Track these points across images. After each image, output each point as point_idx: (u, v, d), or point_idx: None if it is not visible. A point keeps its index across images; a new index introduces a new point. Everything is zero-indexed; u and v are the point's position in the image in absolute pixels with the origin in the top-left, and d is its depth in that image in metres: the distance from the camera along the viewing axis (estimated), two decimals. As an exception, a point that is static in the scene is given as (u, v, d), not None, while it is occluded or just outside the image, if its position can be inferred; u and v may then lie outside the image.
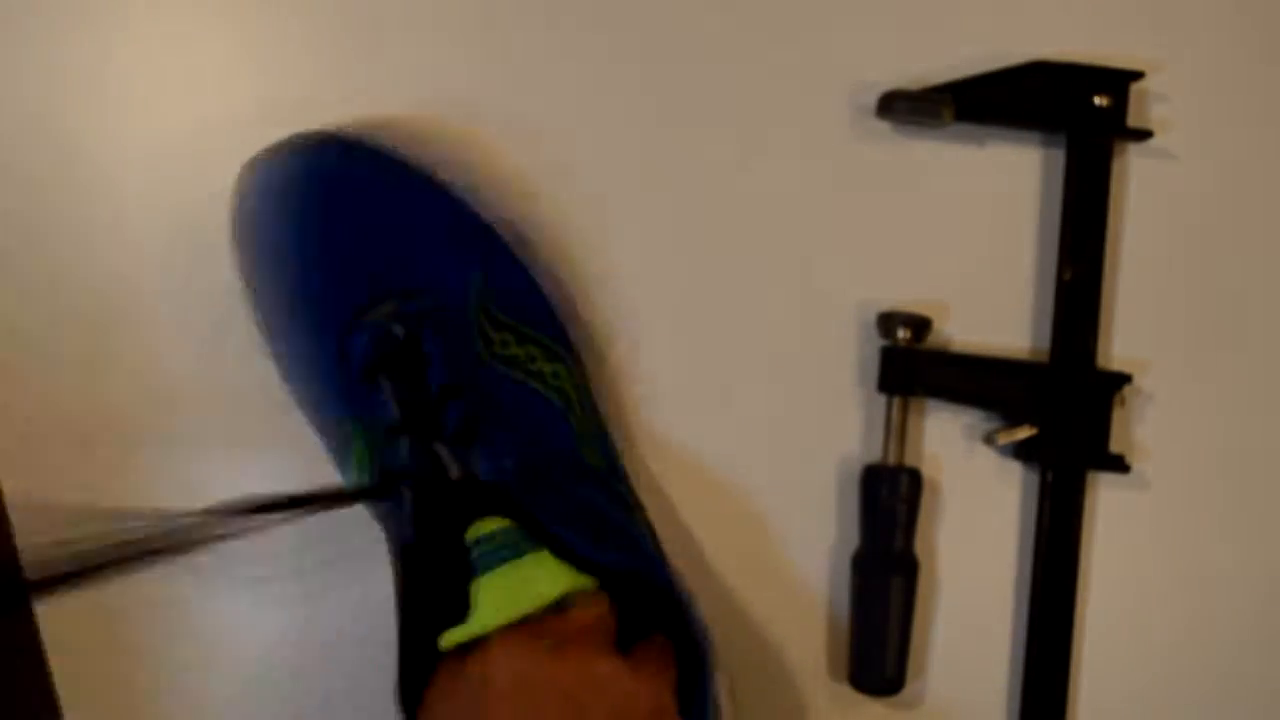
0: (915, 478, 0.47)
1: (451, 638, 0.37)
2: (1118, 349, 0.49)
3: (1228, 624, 0.49)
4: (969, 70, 0.47)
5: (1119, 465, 0.47)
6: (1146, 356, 0.49)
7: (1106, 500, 0.49)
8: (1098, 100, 0.47)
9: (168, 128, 0.47)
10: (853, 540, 0.48)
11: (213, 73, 0.47)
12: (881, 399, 0.48)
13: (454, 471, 0.38)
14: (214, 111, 0.47)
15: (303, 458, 0.44)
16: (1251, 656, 0.49)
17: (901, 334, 0.47)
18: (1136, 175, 0.49)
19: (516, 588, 0.37)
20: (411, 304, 0.40)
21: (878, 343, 0.48)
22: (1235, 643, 0.49)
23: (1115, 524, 0.49)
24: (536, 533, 0.38)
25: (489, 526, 0.38)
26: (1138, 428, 0.49)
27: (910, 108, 0.47)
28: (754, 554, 0.48)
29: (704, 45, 0.48)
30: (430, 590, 0.38)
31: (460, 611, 0.37)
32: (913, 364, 0.47)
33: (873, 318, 0.48)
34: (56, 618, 0.46)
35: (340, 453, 0.41)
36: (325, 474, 0.42)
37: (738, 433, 0.48)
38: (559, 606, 0.38)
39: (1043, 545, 0.48)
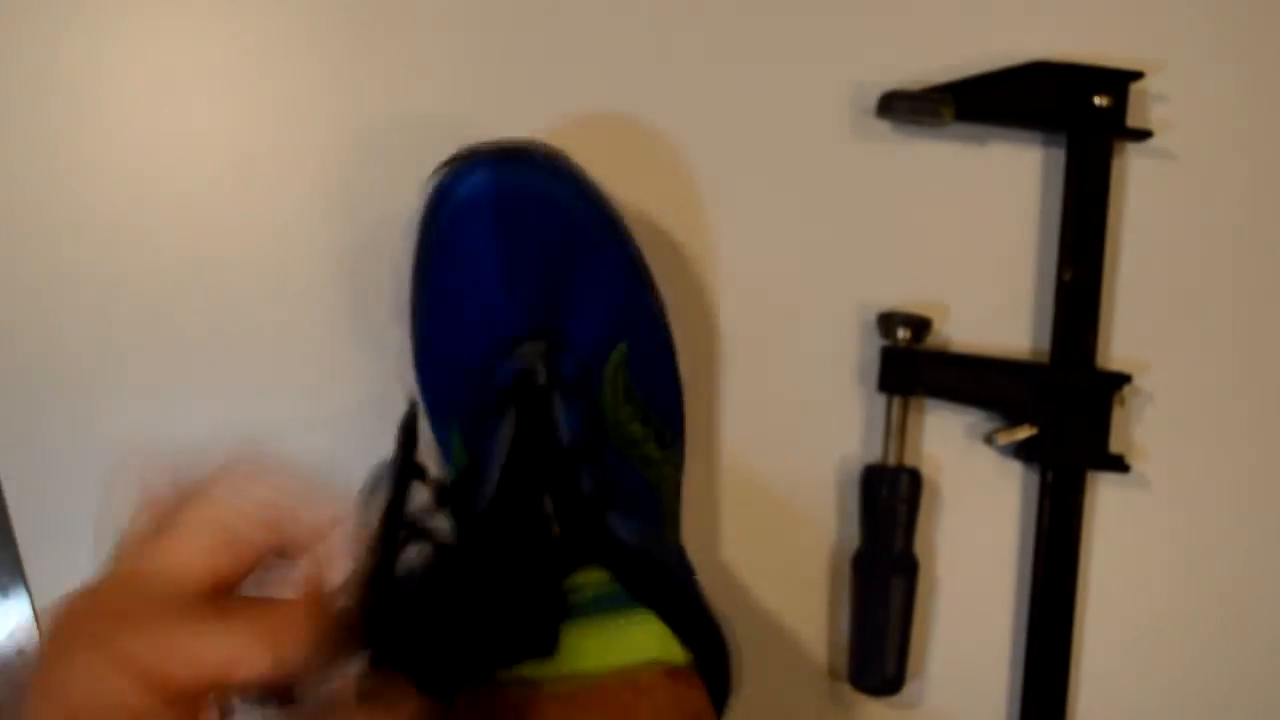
0: (915, 478, 0.47)
1: (539, 671, 0.36)
2: (1118, 349, 0.49)
3: (1227, 623, 0.49)
4: (969, 70, 0.47)
5: (1119, 465, 0.47)
6: (1146, 356, 0.49)
7: (1106, 500, 0.49)
8: (1098, 100, 0.47)
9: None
10: (853, 540, 0.48)
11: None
12: (881, 399, 0.48)
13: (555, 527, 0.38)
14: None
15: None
16: (1251, 656, 0.49)
17: (901, 334, 0.47)
18: (1136, 175, 0.49)
19: (622, 639, 0.36)
20: (559, 354, 0.40)
21: (878, 343, 0.48)
22: (1235, 643, 0.49)
23: (1115, 524, 0.49)
24: (643, 596, 0.37)
25: (593, 577, 0.37)
26: (1138, 428, 0.49)
27: (910, 108, 0.47)
28: (754, 554, 0.48)
29: (704, 46, 0.48)
30: (514, 622, 0.36)
31: (534, 648, 0.36)
32: (913, 364, 0.47)
33: (873, 318, 0.48)
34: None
35: (441, 444, 0.42)
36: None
37: (738, 432, 0.48)
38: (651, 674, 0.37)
39: (1043, 545, 0.48)
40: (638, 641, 0.36)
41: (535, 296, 0.41)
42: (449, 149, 0.41)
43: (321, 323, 0.47)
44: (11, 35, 0.46)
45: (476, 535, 0.37)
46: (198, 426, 0.46)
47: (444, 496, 0.37)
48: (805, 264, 0.48)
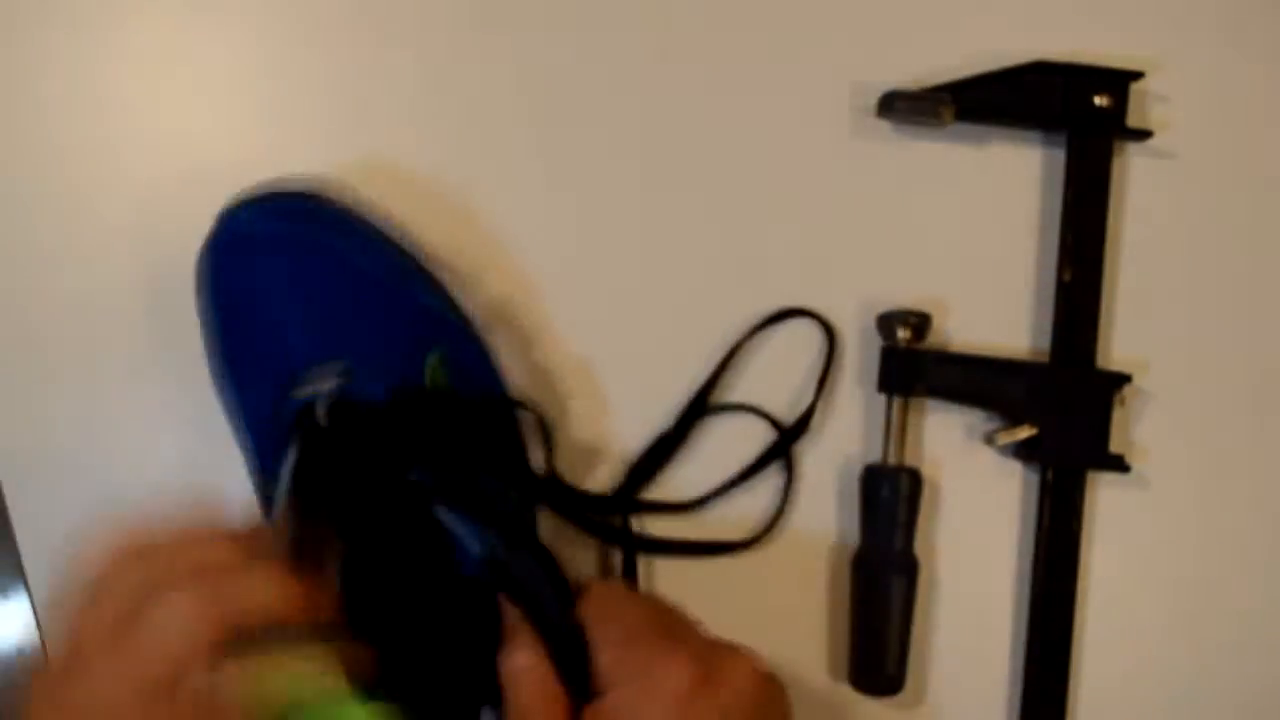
0: (915, 478, 0.47)
1: None
2: (1118, 349, 0.49)
3: (1227, 624, 0.49)
4: (969, 70, 0.47)
5: (1119, 465, 0.47)
6: (1146, 356, 0.49)
7: (1106, 500, 0.49)
8: (1098, 100, 0.47)
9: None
10: (853, 540, 0.48)
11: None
12: (881, 399, 0.48)
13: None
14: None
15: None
16: (1250, 656, 0.49)
17: (901, 334, 0.47)
18: (1136, 175, 0.49)
19: None
20: (359, 375, 0.39)
21: (878, 343, 0.48)
22: (1234, 643, 0.49)
23: (1115, 524, 0.49)
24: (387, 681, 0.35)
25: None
26: (1138, 428, 0.49)
27: (910, 108, 0.47)
28: (754, 554, 0.48)
29: (704, 46, 0.48)
30: None
31: None
32: (913, 364, 0.47)
33: (873, 318, 0.48)
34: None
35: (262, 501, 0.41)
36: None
37: (738, 433, 0.48)
38: None
39: (1043, 545, 0.48)
40: None
41: (314, 328, 0.40)
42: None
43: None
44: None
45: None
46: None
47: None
48: (805, 264, 0.48)
